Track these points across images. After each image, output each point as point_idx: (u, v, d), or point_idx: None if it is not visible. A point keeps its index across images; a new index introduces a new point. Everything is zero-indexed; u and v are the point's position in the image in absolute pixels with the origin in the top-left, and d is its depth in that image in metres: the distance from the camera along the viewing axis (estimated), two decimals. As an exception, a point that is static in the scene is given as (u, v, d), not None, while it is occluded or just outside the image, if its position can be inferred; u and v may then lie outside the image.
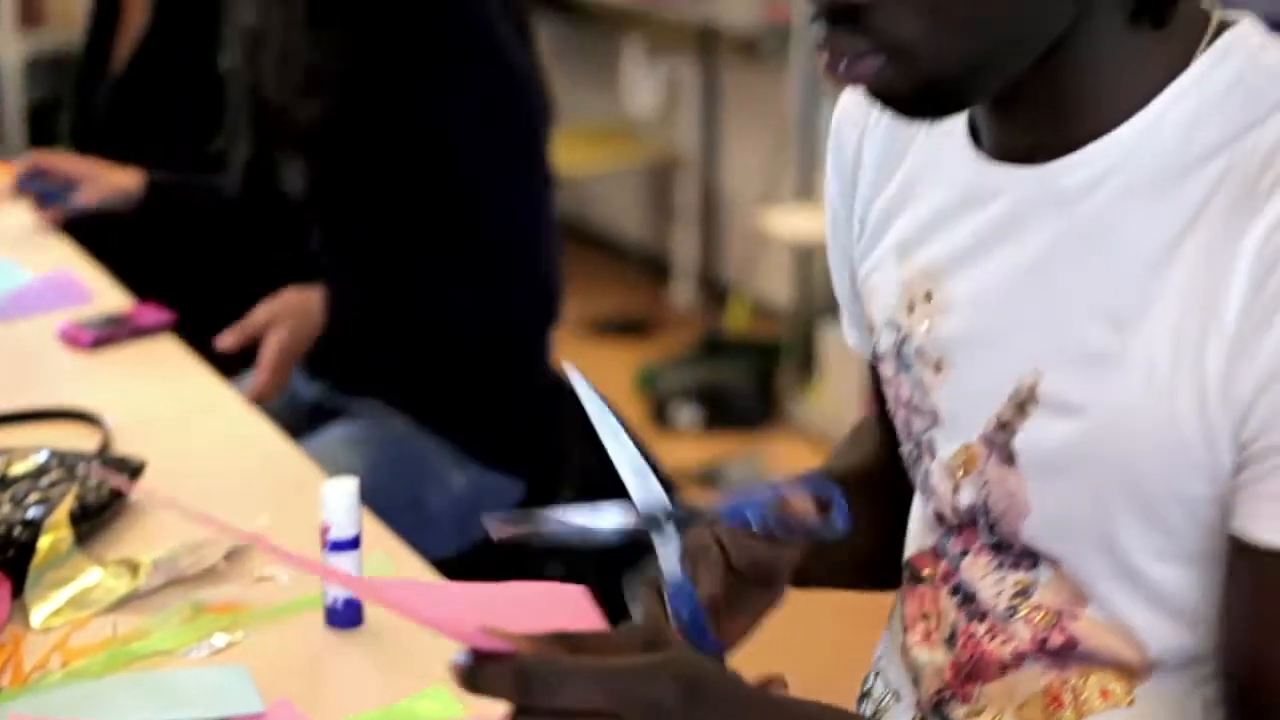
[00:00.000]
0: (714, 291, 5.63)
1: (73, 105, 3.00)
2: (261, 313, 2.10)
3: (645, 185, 6.09)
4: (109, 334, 2.09)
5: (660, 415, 4.74)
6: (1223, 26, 1.11)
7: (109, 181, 2.49)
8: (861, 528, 1.19)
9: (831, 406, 4.50)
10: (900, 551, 1.34)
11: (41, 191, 2.51)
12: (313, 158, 2.24)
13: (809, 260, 4.70)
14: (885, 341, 1.27)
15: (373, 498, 1.58)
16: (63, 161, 2.56)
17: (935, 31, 1.05)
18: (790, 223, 4.65)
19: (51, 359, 2.06)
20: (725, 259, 5.68)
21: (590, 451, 2.35)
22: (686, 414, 4.72)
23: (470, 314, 2.23)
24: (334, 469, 1.88)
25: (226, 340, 2.06)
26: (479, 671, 0.91)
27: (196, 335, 2.18)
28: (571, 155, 5.69)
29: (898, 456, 1.32)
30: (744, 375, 4.84)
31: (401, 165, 2.20)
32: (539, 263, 2.26)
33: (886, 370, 1.28)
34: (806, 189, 4.69)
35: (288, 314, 2.10)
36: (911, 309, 1.23)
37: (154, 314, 2.15)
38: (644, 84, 5.66)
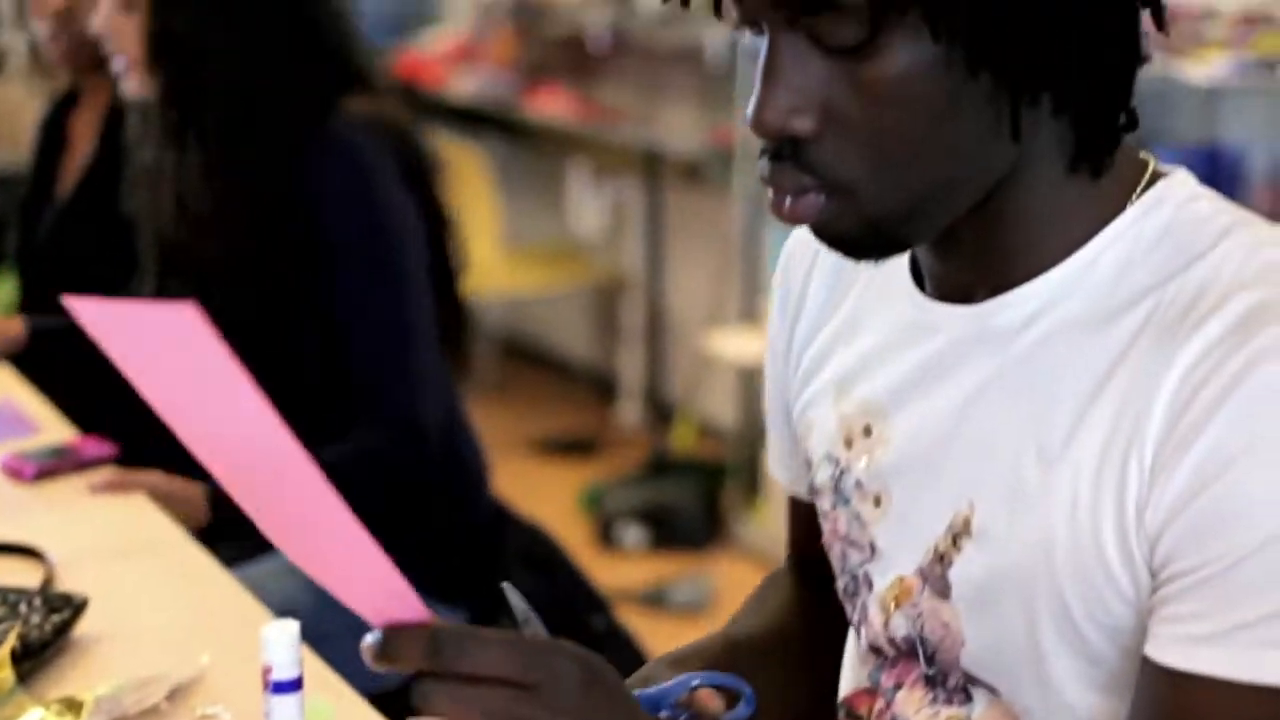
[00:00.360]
0: (660, 411, 5.66)
1: (18, 227, 3.01)
2: (154, 482, 2.07)
3: (591, 305, 6.13)
4: (52, 466, 2.08)
5: (606, 535, 4.75)
6: (1156, 176, 1.15)
7: None
8: (778, 688, 1.22)
9: (777, 526, 4.50)
10: (827, 698, 1.35)
11: None
12: (209, 298, 2.26)
13: (754, 381, 4.73)
14: (823, 475, 1.29)
15: (310, 625, 1.58)
16: None
17: (877, 170, 1.07)
18: (735, 344, 4.69)
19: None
20: (671, 379, 5.72)
21: (532, 581, 2.37)
22: (632, 534, 4.72)
23: (361, 472, 2.20)
24: (272, 595, 1.88)
25: (99, 485, 2.04)
26: (390, 641, 0.96)
27: (140, 467, 2.18)
28: (518, 275, 5.74)
29: (815, 607, 1.35)
30: (690, 495, 4.86)
31: (291, 310, 2.23)
32: (423, 414, 2.24)
33: (824, 504, 1.30)
34: (751, 311, 4.73)
35: (174, 500, 2.07)
36: (850, 443, 1.25)
37: (97, 446, 2.15)
38: (590, 205, 5.71)
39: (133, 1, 2.17)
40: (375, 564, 0.99)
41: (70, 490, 2.06)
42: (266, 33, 2.18)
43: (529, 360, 6.37)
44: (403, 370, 2.20)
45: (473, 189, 5.64)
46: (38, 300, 2.93)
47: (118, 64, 2.26)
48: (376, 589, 0.99)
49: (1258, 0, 3.47)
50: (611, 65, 5.78)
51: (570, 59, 5.92)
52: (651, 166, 5.51)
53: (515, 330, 6.47)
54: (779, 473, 1.46)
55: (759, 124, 1.08)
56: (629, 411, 5.74)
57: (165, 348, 1.00)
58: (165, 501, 2.03)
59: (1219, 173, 3.51)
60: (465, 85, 6.05)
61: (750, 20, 1.09)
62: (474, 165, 5.64)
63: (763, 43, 1.08)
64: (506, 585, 1.16)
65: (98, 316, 1.03)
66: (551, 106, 5.68)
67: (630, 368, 5.75)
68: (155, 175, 2.28)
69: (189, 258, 2.26)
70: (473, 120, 6.15)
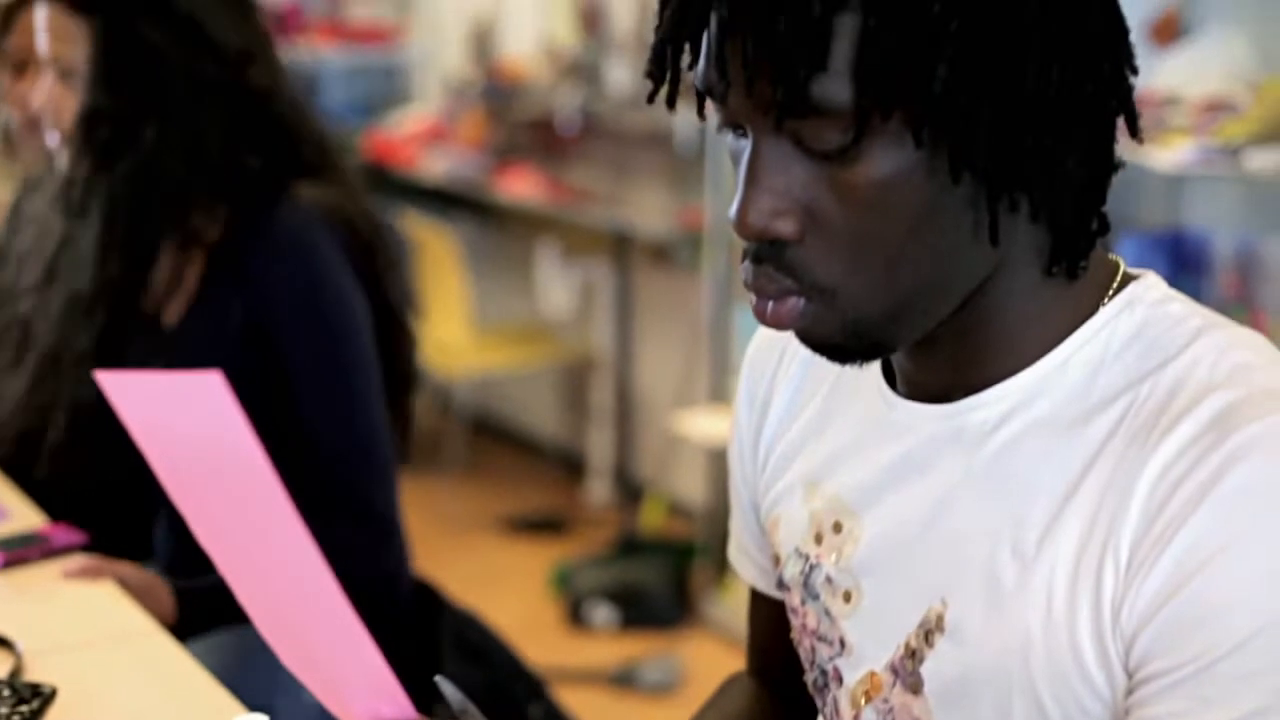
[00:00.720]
0: (629, 491, 5.67)
1: None
2: (125, 574, 2.06)
3: (561, 385, 6.15)
4: (21, 554, 2.06)
5: (576, 614, 4.74)
6: (1127, 278, 1.18)
7: None
8: None
9: (746, 606, 4.51)
10: None
11: None
12: (78, 396, 2.24)
13: (723, 461, 4.73)
14: (792, 570, 1.30)
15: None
16: None
17: (858, 273, 1.09)
18: (704, 425, 4.70)
19: None
20: (640, 458, 5.73)
21: (466, 669, 2.36)
22: (602, 613, 4.72)
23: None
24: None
25: (72, 571, 2.03)
26: None
27: (110, 556, 2.18)
28: (488, 354, 5.75)
29: (776, 708, 1.36)
30: (659, 575, 4.86)
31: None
32: (391, 507, 2.23)
33: (793, 599, 1.31)
34: (720, 392, 4.75)
35: (141, 594, 2.06)
36: (820, 539, 1.26)
37: (67, 534, 2.13)
38: (559, 286, 5.73)
39: (72, 79, 2.17)
40: (368, 659, 0.99)
41: (40, 578, 2.04)
42: (203, 116, 2.17)
43: (499, 439, 6.38)
44: (370, 466, 2.20)
45: (443, 269, 5.66)
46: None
47: (52, 139, 2.26)
48: (367, 686, 0.99)
49: (1221, 88, 3.51)
50: (581, 147, 5.82)
51: (540, 140, 5.96)
52: (621, 248, 5.54)
53: (485, 409, 6.48)
54: (743, 567, 1.47)
55: (742, 226, 1.09)
56: (598, 490, 5.74)
57: (184, 417, 1.01)
58: (135, 595, 2.03)
59: (1184, 258, 3.55)
60: (436, 166, 6.08)
61: (734, 123, 1.11)
62: (444, 245, 5.66)
63: (746, 145, 1.10)
64: (439, 678, 1.16)
65: (122, 389, 1.04)
66: (521, 187, 5.71)
67: (600, 447, 5.75)
68: (42, 249, 2.27)
69: (54, 347, 2.24)
70: (443, 201, 6.17)
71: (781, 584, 1.33)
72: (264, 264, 2.16)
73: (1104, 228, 1.15)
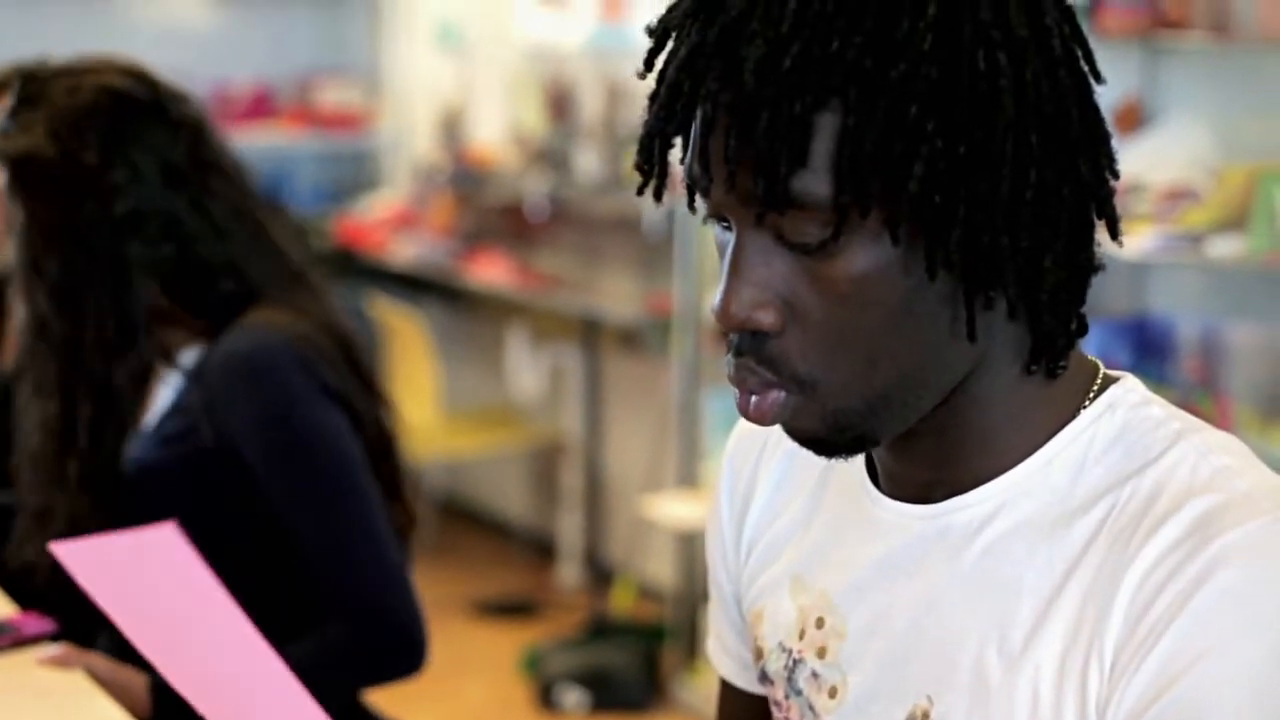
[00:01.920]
0: (599, 574, 5.68)
1: None
2: (97, 666, 2.07)
3: (530, 468, 6.16)
4: None
5: (546, 698, 4.74)
6: (1106, 380, 1.20)
7: None
8: None
9: (716, 688, 4.51)
10: None
11: None
12: (71, 508, 2.27)
13: (692, 545, 4.76)
14: (775, 664, 1.30)
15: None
16: None
17: (836, 367, 1.11)
18: (674, 509, 4.71)
19: None
20: (610, 542, 5.74)
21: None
22: (572, 697, 4.72)
23: (325, 668, 2.18)
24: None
25: (44, 659, 2.04)
26: None
27: (80, 643, 2.18)
28: (457, 438, 5.77)
29: None
30: (630, 657, 4.86)
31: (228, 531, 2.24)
32: (395, 604, 2.19)
33: (776, 694, 1.31)
34: (689, 476, 4.77)
35: (115, 688, 2.07)
36: (804, 634, 1.27)
37: (37, 623, 2.12)
38: (528, 370, 5.75)
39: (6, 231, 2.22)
40: None
41: (10, 667, 2.04)
42: (111, 264, 2.19)
43: (468, 522, 6.38)
44: (376, 572, 2.18)
45: (412, 353, 5.69)
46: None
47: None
48: None
49: (1182, 175, 3.57)
50: (550, 233, 5.86)
51: (509, 226, 6.00)
52: (590, 333, 5.57)
53: (454, 492, 6.48)
54: (720, 661, 1.46)
55: (724, 316, 1.11)
56: (568, 574, 5.74)
57: (144, 573, 1.02)
58: (107, 688, 2.03)
59: (1148, 343, 3.59)
60: (405, 251, 6.12)
61: (718, 215, 1.13)
62: (413, 330, 5.69)
63: (730, 237, 1.12)
64: None
65: (79, 557, 1.06)
66: (490, 273, 5.75)
67: (569, 530, 5.76)
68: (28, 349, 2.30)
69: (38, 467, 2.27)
70: (412, 285, 6.20)
71: (765, 678, 1.33)
72: (224, 390, 2.17)
73: (1082, 329, 1.17)
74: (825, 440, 1.15)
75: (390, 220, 6.31)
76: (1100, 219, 1.15)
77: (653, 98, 1.14)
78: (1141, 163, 3.54)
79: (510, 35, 6.01)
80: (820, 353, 1.11)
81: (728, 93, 1.08)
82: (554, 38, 5.73)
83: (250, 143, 6.06)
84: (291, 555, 2.18)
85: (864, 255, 1.08)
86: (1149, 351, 3.58)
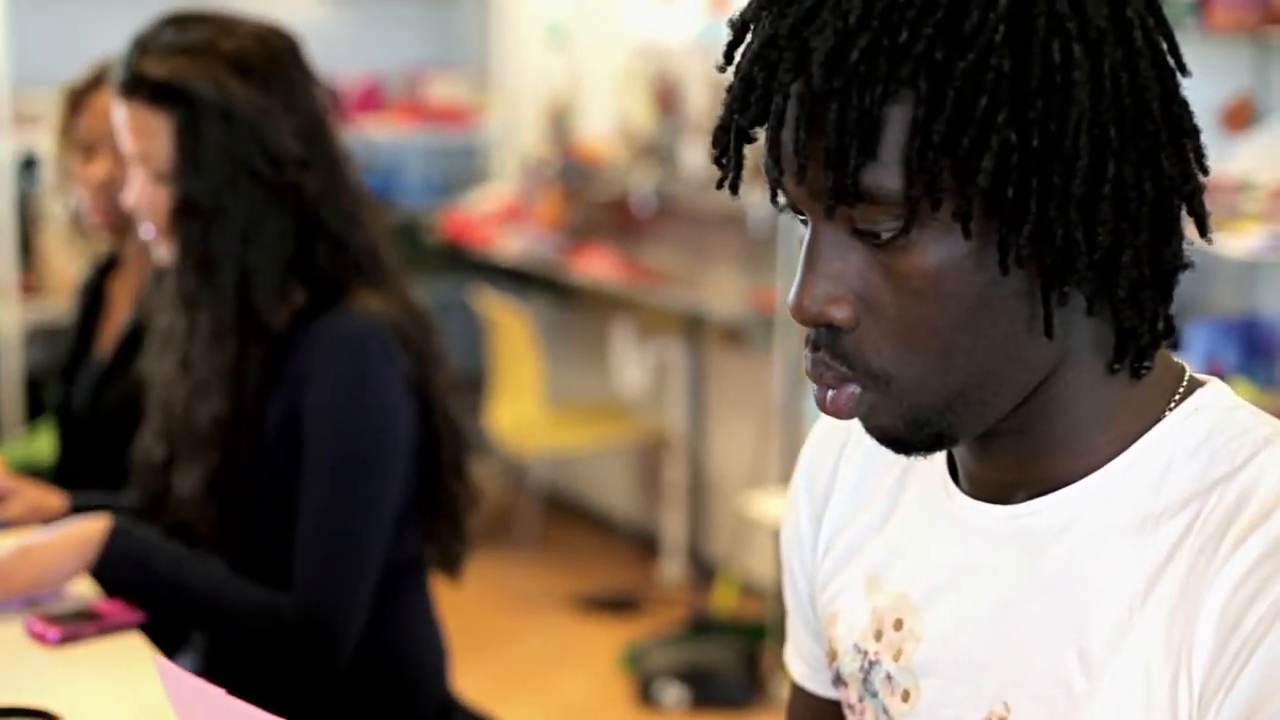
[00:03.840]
0: (702, 570, 5.67)
1: (60, 386, 3.06)
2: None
3: (634, 463, 6.16)
4: (75, 631, 2.08)
5: (645, 694, 4.74)
6: (1193, 383, 1.17)
7: (31, 501, 2.51)
8: None
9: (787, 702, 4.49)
10: None
11: None
12: (208, 461, 2.31)
13: (794, 542, 4.73)
14: (850, 666, 1.29)
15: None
16: None
17: (911, 362, 1.10)
18: (776, 506, 4.69)
19: (17, 654, 2.03)
20: (713, 538, 5.72)
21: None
22: (672, 693, 4.71)
23: (259, 620, 2.20)
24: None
25: None
26: None
27: (161, 632, 2.21)
28: (562, 432, 5.78)
29: None
30: (730, 655, 4.85)
31: (278, 474, 2.27)
32: (339, 622, 2.21)
33: (850, 696, 1.30)
34: (791, 474, 4.73)
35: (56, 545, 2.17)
36: (880, 636, 1.26)
37: (123, 612, 2.15)
38: (633, 365, 5.75)
39: (162, 174, 2.24)
40: None
41: (92, 655, 2.06)
42: (279, 205, 2.24)
43: (572, 516, 6.39)
44: (334, 570, 2.20)
45: (517, 347, 5.71)
46: (74, 460, 2.97)
47: (147, 232, 2.33)
48: None
49: (1293, 174, 3.51)
50: (656, 228, 5.85)
51: (615, 221, 6.00)
52: (694, 328, 5.56)
53: (559, 487, 6.50)
54: (794, 665, 1.45)
55: (798, 310, 1.11)
56: (671, 570, 5.74)
57: None
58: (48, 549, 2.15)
59: (1257, 343, 3.53)
60: (512, 245, 6.14)
61: (795, 209, 1.13)
62: (519, 324, 5.70)
63: (807, 231, 1.12)
64: None
65: (176, 680, 1.12)
66: (596, 267, 5.75)
67: (672, 526, 5.76)
68: (167, 339, 2.34)
69: (185, 420, 2.31)
70: (519, 280, 6.22)
71: (839, 680, 1.32)
72: (312, 361, 2.21)
73: (1170, 329, 1.14)
74: (902, 438, 1.14)
75: (498, 214, 6.34)
76: (1189, 216, 1.12)
77: (729, 90, 1.13)
78: (1251, 161, 3.49)
79: (618, 30, 6.01)
80: (894, 348, 1.10)
81: (798, 84, 1.07)
82: (662, 32, 5.73)
83: (360, 136, 6.11)
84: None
85: (936, 249, 1.07)
86: (1257, 351, 3.52)
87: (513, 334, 5.71)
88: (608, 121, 6.08)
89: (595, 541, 6.17)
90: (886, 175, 1.05)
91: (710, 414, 5.74)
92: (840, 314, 1.10)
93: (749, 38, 1.12)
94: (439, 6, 6.86)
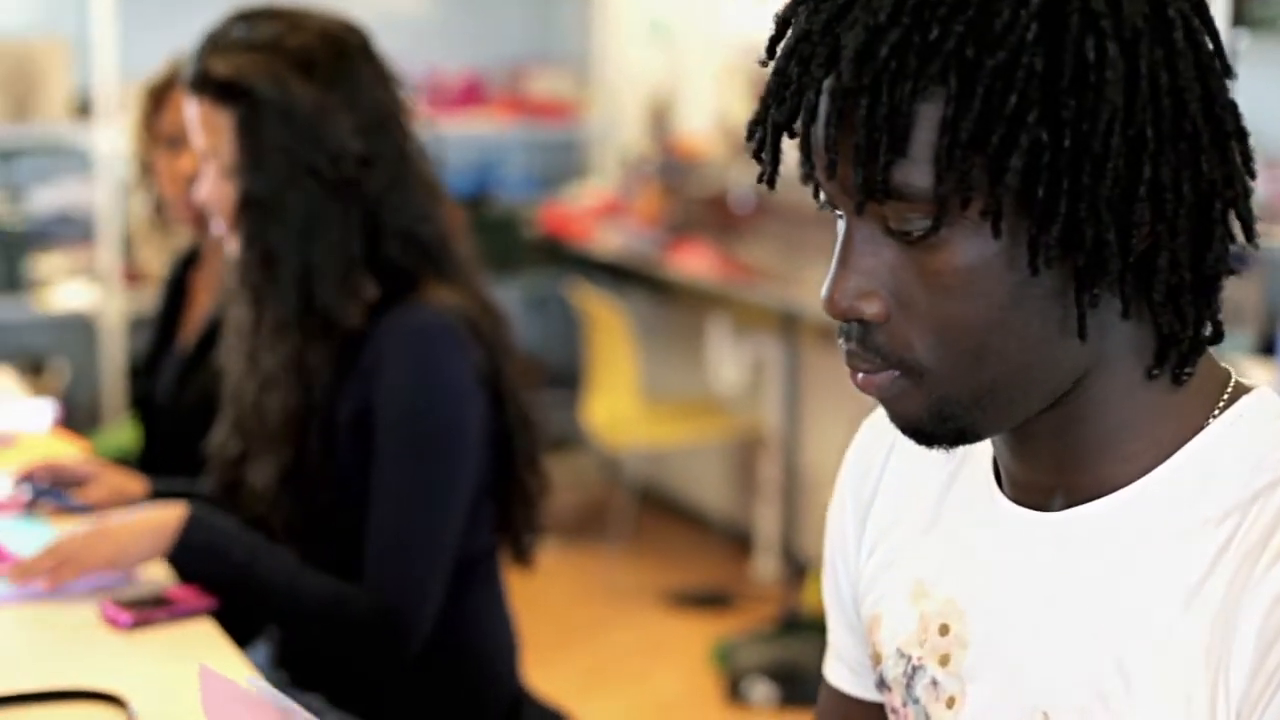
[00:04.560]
0: (794, 568, 5.65)
1: (145, 375, 3.10)
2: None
3: (729, 460, 6.16)
4: (148, 616, 2.10)
5: (734, 690, 4.73)
6: (1239, 389, 1.15)
7: (112, 485, 2.53)
8: None
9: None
10: None
11: (38, 489, 2.51)
12: (280, 455, 2.33)
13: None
14: (893, 670, 1.28)
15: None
16: (70, 461, 2.58)
17: (943, 358, 1.09)
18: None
19: (90, 638, 2.07)
20: (806, 536, 5.71)
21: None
22: (761, 690, 4.70)
23: (330, 610, 2.23)
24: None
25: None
26: None
27: (234, 622, 2.24)
28: (657, 428, 5.78)
29: None
30: (820, 653, 4.80)
31: (347, 466, 2.28)
32: (412, 619, 2.22)
33: (894, 700, 1.29)
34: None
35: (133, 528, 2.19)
36: (925, 641, 1.25)
37: (196, 598, 2.18)
38: (729, 362, 5.75)
39: (228, 170, 2.26)
40: None
41: (164, 640, 2.08)
42: (340, 202, 2.25)
43: (666, 512, 6.40)
44: (406, 562, 2.21)
45: (614, 342, 5.72)
46: (155, 451, 3.01)
47: (217, 227, 2.36)
48: None
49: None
50: (754, 224, 5.84)
51: (714, 217, 6.00)
52: (790, 325, 5.55)
53: (653, 482, 6.51)
54: (837, 671, 1.44)
55: (830, 305, 1.11)
56: (764, 567, 5.73)
57: None
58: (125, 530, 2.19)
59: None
60: (610, 240, 6.15)
61: (830, 204, 1.13)
62: (615, 319, 5.71)
63: (842, 225, 1.12)
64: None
65: (212, 683, 1.16)
66: (694, 264, 5.75)
67: (767, 523, 5.75)
68: (237, 332, 2.37)
69: (256, 414, 2.33)
70: (616, 275, 6.23)
71: (882, 683, 1.31)
72: (382, 354, 2.23)
73: (1217, 335, 1.13)
74: (925, 428, 1.14)
75: (597, 209, 6.35)
76: (1237, 219, 1.11)
77: (766, 85, 1.13)
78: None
79: (719, 27, 6.01)
80: (924, 343, 1.10)
81: (830, 80, 1.07)
82: (762, 30, 5.69)
83: (460, 131, 6.15)
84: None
85: (967, 247, 1.07)
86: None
87: (609, 329, 5.72)
88: (707, 118, 6.08)
89: (688, 537, 6.17)
90: (916, 172, 1.05)
91: (805, 411, 5.72)
92: (871, 309, 1.10)
93: (788, 34, 1.12)
94: (541, 1, 6.88)
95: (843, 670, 1.43)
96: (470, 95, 6.50)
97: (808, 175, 1.12)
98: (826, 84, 1.07)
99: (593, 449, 6.34)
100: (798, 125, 1.11)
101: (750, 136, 1.16)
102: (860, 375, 1.13)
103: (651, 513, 6.32)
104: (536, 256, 6.47)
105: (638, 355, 5.83)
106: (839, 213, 1.13)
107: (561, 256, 6.42)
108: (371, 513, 2.22)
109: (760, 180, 1.17)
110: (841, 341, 1.13)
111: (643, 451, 6.25)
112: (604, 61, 6.80)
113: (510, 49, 6.77)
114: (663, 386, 6.24)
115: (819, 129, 1.08)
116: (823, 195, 1.13)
